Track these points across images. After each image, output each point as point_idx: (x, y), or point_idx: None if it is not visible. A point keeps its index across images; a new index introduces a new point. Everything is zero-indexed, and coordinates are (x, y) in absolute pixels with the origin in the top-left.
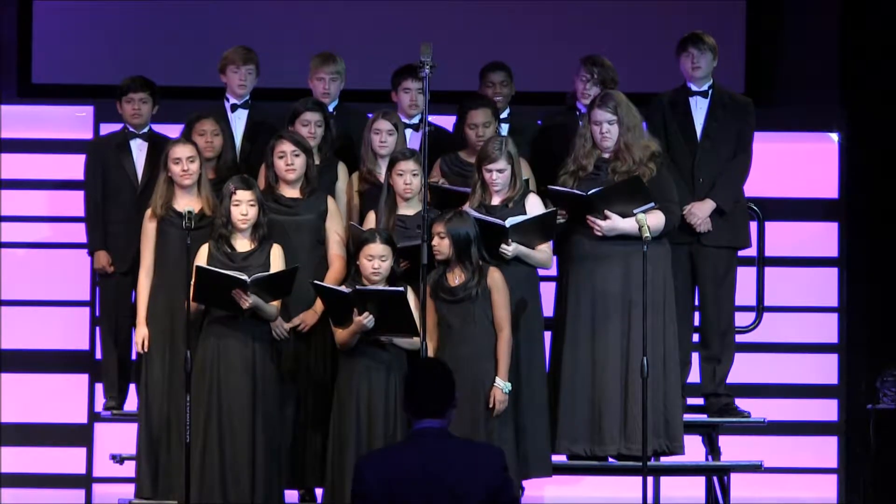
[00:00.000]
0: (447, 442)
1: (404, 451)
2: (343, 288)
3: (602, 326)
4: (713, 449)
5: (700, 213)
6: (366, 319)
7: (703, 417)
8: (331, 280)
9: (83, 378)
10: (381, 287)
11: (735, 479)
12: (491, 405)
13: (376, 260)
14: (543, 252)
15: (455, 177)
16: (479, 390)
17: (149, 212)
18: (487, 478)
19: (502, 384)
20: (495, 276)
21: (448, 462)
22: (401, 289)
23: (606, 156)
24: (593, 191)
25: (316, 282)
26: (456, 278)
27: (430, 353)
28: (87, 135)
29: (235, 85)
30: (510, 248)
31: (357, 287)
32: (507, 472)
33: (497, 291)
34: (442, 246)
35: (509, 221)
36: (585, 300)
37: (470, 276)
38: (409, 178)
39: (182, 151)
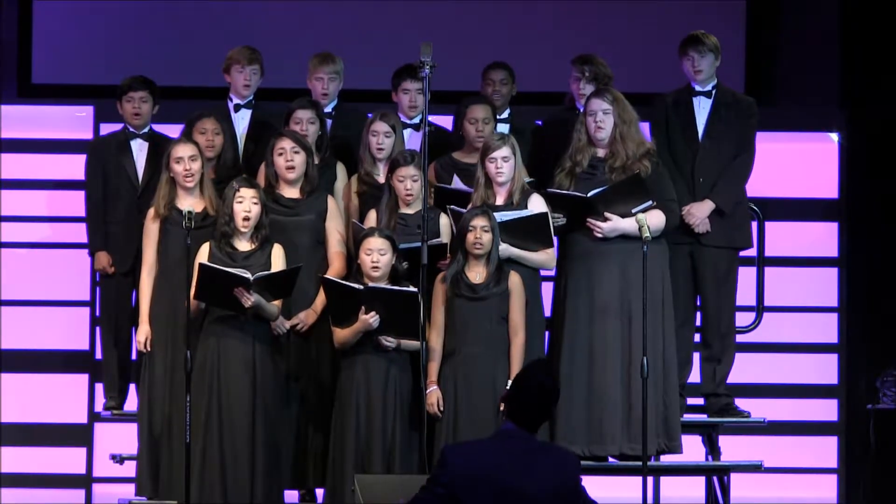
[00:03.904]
0: (530, 445)
1: (490, 448)
2: (355, 284)
3: (600, 326)
4: (713, 449)
5: (699, 213)
6: (372, 319)
7: (703, 417)
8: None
9: (83, 378)
10: (394, 286)
11: (735, 479)
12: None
13: (375, 254)
14: (542, 253)
15: (450, 177)
16: (489, 391)
17: (151, 211)
18: (563, 481)
19: None
20: (515, 280)
21: (528, 464)
22: (414, 290)
23: (601, 154)
24: (594, 192)
25: (326, 276)
26: (477, 276)
27: (438, 350)
28: (87, 135)
29: (240, 85)
30: (500, 247)
31: (370, 285)
32: (580, 476)
33: (516, 294)
34: (485, 239)
35: (498, 218)
36: (583, 300)
37: (493, 275)
38: (409, 183)
39: (184, 151)
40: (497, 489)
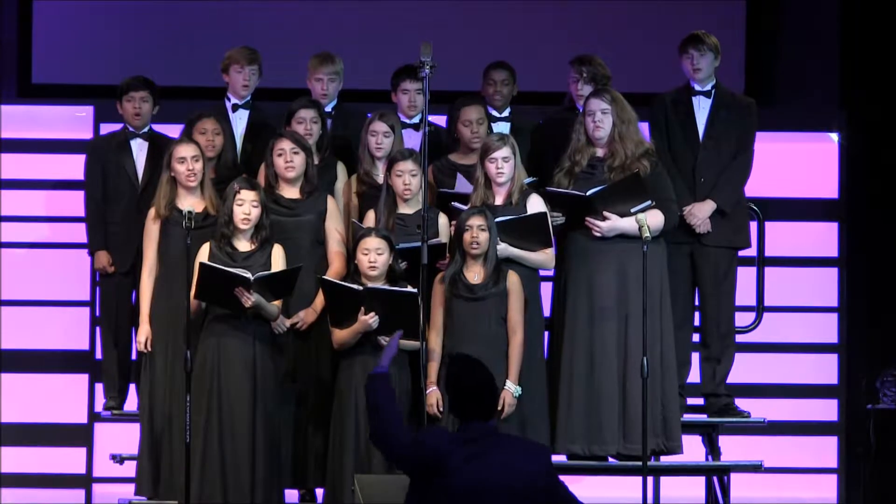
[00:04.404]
0: (499, 436)
1: (462, 436)
2: (354, 285)
3: (599, 325)
4: (713, 449)
5: (700, 213)
6: (371, 319)
7: (703, 417)
8: (331, 277)
9: (83, 378)
10: (393, 287)
11: (735, 479)
12: (500, 408)
13: (372, 253)
14: (541, 253)
15: (447, 179)
16: None
17: (152, 212)
18: (537, 474)
19: (513, 388)
20: (513, 279)
21: (502, 455)
22: (413, 290)
23: (600, 154)
24: (592, 191)
25: (324, 277)
26: (475, 276)
27: (437, 350)
28: (87, 135)
29: (239, 85)
30: (499, 247)
31: (369, 286)
32: (553, 469)
33: (514, 294)
34: (482, 239)
35: (497, 219)
36: (582, 299)
37: (491, 275)
38: (407, 178)
39: (186, 151)
40: (463, 482)
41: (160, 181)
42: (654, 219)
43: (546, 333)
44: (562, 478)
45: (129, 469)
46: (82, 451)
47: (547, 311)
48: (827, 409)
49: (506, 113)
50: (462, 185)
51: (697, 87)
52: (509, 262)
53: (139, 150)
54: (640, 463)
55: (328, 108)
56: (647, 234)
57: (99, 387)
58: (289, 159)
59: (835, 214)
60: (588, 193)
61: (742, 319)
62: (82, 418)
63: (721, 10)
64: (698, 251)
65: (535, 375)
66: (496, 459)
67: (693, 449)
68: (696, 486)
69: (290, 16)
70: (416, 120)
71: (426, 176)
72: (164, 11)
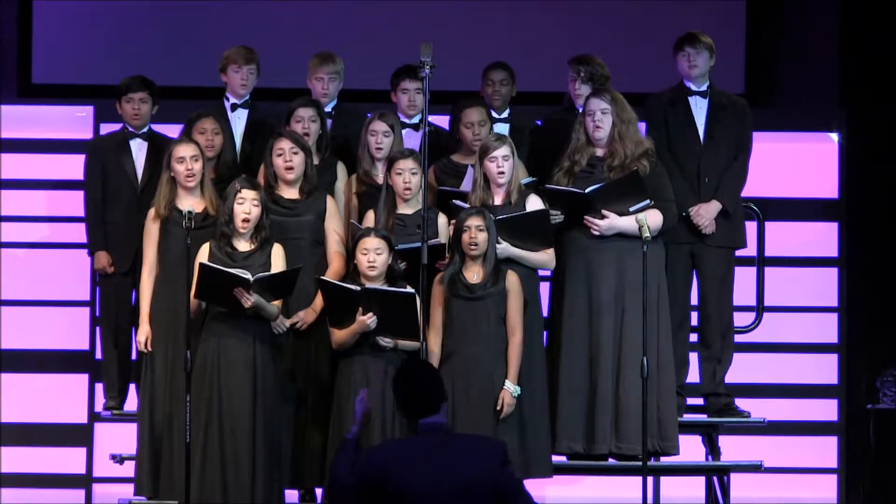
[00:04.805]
0: (450, 436)
1: (410, 442)
2: (352, 285)
3: (596, 324)
4: (713, 449)
5: (707, 214)
6: (369, 320)
7: (703, 417)
8: (331, 277)
9: (83, 378)
10: (391, 288)
11: (735, 479)
12: (499, 408)
13: (371, 253)
14: (542, 253)
15: (450, 179)
16: (488, 391)
17: (152, 212)
18: (490, 470)
19: (512, 388)
20: (513, 279)
21: (451, 454)
22: (411, 290)
23: (600, 153)
24: (591, 188)
25: (322, 278)
26: (474, 276)
27: (436, 351)
28: (87, 135)
29: (237, 85)
30: (500, 247)
31: (367, 286)
32: (508, 466)
33: (514, 294)
34: (480, 239)
35: (498, 218)
36: (580, 297)
37: (490, 275)
38: (408, 176)
39: (186, 150)
40: (424, 478)
41: (160, 181)
42: (653, 218)
43: (545, 333)
44: (562, 477)
45: (129, 469)
46: (82, 451)
47: (545, 311)
48: (827, 409)
49: (505, 114)
50: (471, 180)
51: (693, 87)
52: (510, 262)
53: (138, 149)
54: (639, 463)
55: (328, 108)
56: (648, 234)
57: (99, 387)
58: (288, 159)
59: (835, 214)
60: (587, 190)
61: (742, 319)
62: (82, 418)
63: (721, 10)
64: (701, 251)
65: (534, 375)
66: (444, 460)
67: (693, 449)
68: (696, 486)
69: (290, 16)
70: (415, 120)
71: (426, 176)
72: (164, 11)
